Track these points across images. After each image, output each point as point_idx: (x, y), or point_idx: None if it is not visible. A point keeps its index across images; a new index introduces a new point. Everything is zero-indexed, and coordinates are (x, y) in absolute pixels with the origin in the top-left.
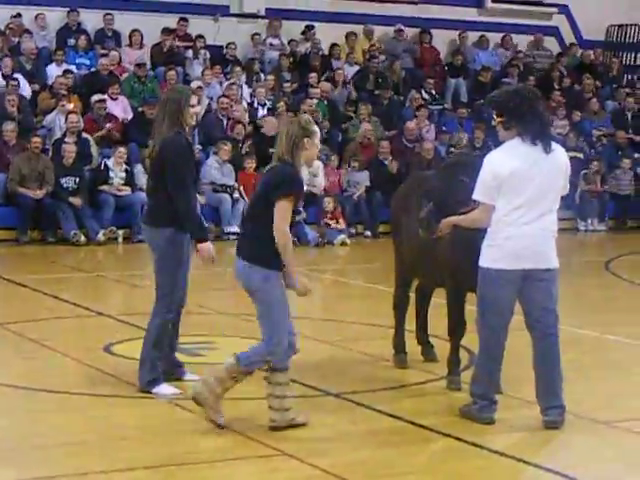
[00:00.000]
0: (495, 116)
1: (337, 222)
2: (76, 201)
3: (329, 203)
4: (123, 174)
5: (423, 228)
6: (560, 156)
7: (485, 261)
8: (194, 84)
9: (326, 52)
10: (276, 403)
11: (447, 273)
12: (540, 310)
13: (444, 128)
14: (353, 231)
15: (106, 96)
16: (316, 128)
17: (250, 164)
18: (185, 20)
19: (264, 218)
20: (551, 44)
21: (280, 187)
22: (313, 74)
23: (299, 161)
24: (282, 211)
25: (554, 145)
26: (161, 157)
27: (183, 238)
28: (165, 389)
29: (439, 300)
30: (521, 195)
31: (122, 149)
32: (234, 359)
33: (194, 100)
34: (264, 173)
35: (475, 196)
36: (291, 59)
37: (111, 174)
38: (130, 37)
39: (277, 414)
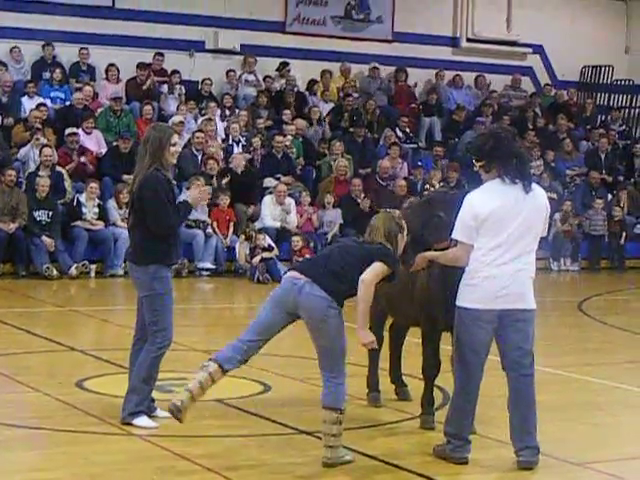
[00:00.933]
0: (475, 162)
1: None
2: (48, 242)
3: (298, 242)
4: (96, 209)
5: (399, 261)
6: (540, 197)
7: (462, 301)
8: (176, 118)
9: (302, 89)
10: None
11: (423, 312)
12: (516, 350)
13: (419, 163)
14: None
15: (79, 130)
16: (404, 223)
17: (224, 200)
18: (161, 55)
19: (351, 274)
20: (525, 84)
21: (387, 255)
22: (288, 111)
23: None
24: (378, 271)
25: (534, 185)
26: (140, 194)
27: (167, 273)
28: (146, 422)
29: (412, 339)
30: (500, 235)
31: (94, 184)
32: (215, 364)
33: (175, 139)
34: (359, 243)
35: (454, 235)
36: (266, 95)
37: (84, 209)
38: (107, 71)
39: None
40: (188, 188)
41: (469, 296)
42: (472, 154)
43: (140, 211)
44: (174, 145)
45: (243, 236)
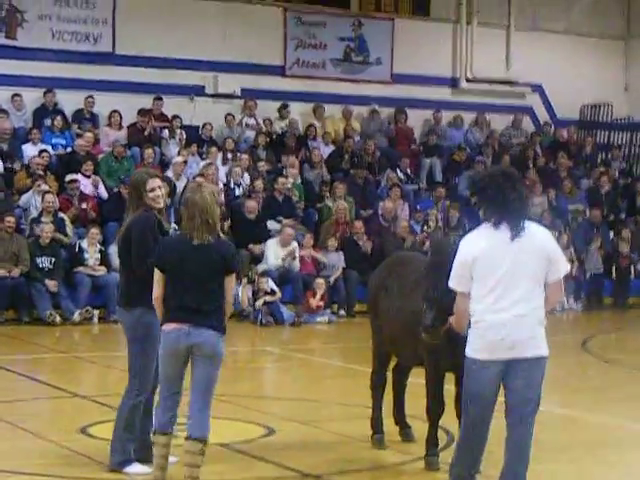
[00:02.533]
0: (470, 196)
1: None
2: (52, 284)
3: (322, 284)
4: (98, 255)
5: (428, 334)
6: (536, 238)
7: (469, 350)
8: (177, 159)
9: (301, 132)
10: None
11: (427, 352)
12: (518, 398)
13: (418, 207)
14: (328, 310)
15: (79, 176)
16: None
17: None
18: (160, 99)
19: None
20: (525, 123)
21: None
22: (289, 154)
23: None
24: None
25: (532, 227)
26: (127, 235)
27: (153, 318)
28: (137, 468)
29: (416, 380)
30: (489, 280)
31: (94, 230)
32: (203, 446)
33: (152, 184)
34: None
35: (450, 283)
36: (267, 138)
37: (85, 255)
38: (109, 117)
39: None
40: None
41: (475, 346)
42: (469, 189)
43: (126, 252)
44: (152, 191)
45: (246, 279)
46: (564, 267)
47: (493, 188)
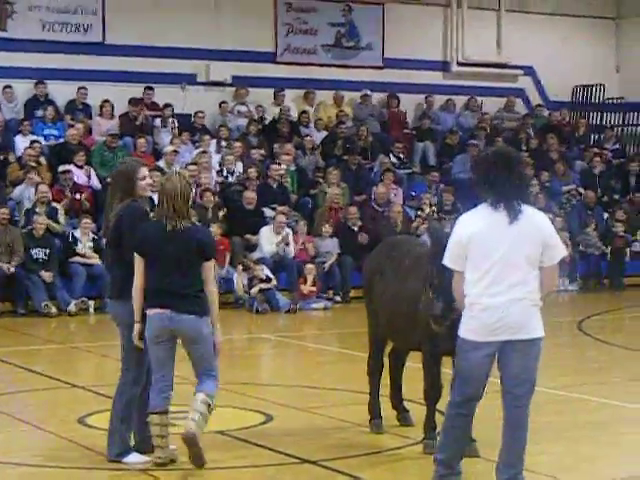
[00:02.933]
0: (473, 175)
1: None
2: (47, 275)
3: (312, 270)
4: (90, 244)
5: (438, 324)
6: (533, 221)
7: (462, 331)
8: (168, 148)
9: (293, 118)
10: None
11: (425, 336)
12: (513, 380)
13: (413, 193)
14: (324, 297)
15: (72, 166)
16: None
17: (216, 230)
18: (151, 89)
19: None
20: (517, 105)
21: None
22: (281, 141)
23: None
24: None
25: (529, 209)
26: (119, 227)
27: (146, 311)
28: (136, 458)
29: (413, 364)
30: (484, 263)
31: (87, 220)
32: (207, 397)
33: (143, 172)
34: None
35: (444, 261)
36: (259, 126)
37: (79, 245)
38: (101, 107)
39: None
40: None
41: (468, 327)
42: (471, 169)
43: (117, 245)
44: (143, 179)
45: (241, 267)
46: (560, 252)
47: (492, 170)
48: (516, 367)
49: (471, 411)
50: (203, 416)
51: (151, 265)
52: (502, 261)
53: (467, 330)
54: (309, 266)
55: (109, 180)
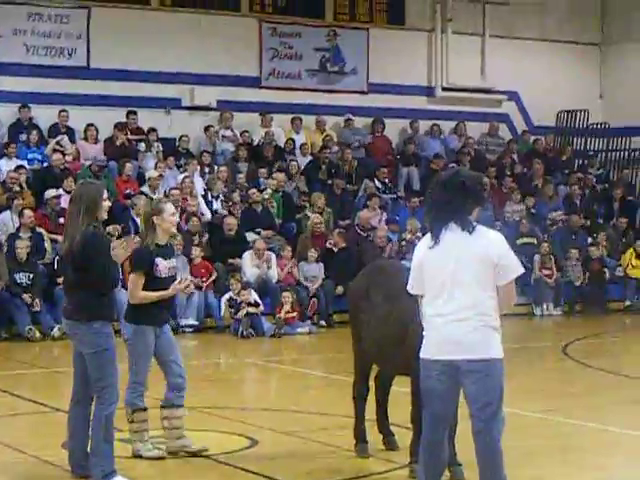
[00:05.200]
0: (427, 196)
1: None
2: (28, 299)
3: (288, 297)
4: None
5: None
6: (482, 243)
7: (421, 351)
8: (152, 173)
9: (279, 143)
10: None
11: (414, 361)
12: (474, 403)
13: (397, 218)
14: (308, 321)
15: (61, 191)
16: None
17: (197, 254)
18: (134, 113)
19: None
20: (502, 130)
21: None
22: (267, 165)
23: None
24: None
25: (481, 231)
26: (84, 252)
27: (110, 329)
28: None
29: (399, 388)
30: (437, 282)
31: None
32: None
33: (106, 194)
34: None
35: (408, 288)
36: (245, 149)
37: None
38: (85, 131)
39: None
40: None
41: (423, 346)
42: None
43: (83, 269)
44: (105, 200)
45: (228, 295)
46: (515, 271)
47: (443, 190)
48: (475, 390)
49: (442, 435)
50: None
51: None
52: (451, 281)
53: (422, 350)
54: (285, 293)
55: (73, 199)
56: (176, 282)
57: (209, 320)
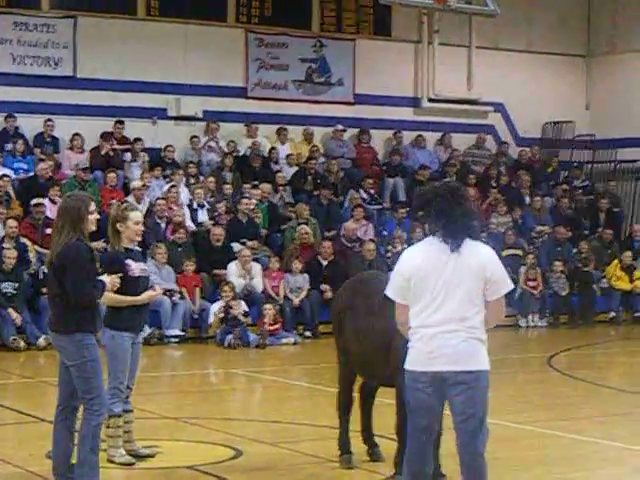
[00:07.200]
0: (415, 211)
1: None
2: (14, 315)
3: (270, 309)
4: None
5: None
6: (474, 257)
7: (405, 363)
8: (136, 183)
9: (265, 153)
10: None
11: (399, 372)
12: (459, 415)
13: (384, 231)
14: (294, 332)
15: (45, 200)
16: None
17: (188, 266)
18: (121, 123)
19: None
20: (488, 142)
21: None
22: (253, 176)
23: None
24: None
25: (472, 245)
26: (62, 264)
27: (93, 340)
28: None
29: (383, 399)
30: (424, 295)
31: None
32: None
33: (93, 206)
34: None
35: (386, 291)
36: (231, 159)
37: None
38: (71, 141)
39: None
40: (152, 257)
41: (408, 358)
42: (415, 205)
43: (60, 282)
44: (92, 213)
45: (217, 305)
46: (505, 287)
47: (435, 204)
48: (460, 401)
49: (427, 446)
50: None
51: None
52: (441, 294)
53: (407, 361)
54: (267, 305)
55: (58, 212)
56: (150, 291)
57: (194, 330)
